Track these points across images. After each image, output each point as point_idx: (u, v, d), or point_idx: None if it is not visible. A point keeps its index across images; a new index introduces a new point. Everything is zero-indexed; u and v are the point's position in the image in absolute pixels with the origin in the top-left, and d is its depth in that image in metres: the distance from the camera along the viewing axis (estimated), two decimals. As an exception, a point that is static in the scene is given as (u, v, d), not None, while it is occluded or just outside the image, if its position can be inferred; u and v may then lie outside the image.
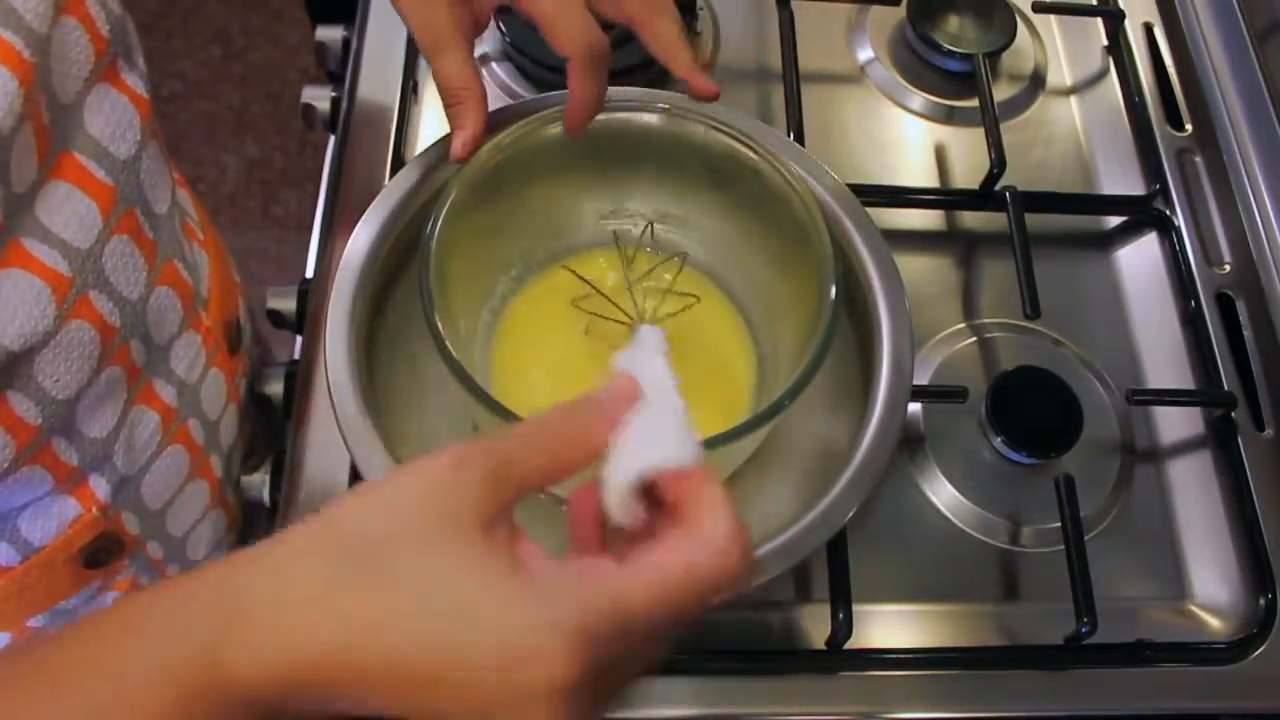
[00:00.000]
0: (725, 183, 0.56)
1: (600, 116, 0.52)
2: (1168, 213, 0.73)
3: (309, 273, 0.69)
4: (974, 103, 0.73)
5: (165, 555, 0.58)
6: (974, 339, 0.68)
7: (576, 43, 0.49)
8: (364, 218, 0.55)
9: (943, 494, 0.63)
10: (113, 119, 0.45)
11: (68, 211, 0.43)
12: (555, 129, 0.52)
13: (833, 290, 0.50)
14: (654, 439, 0.34)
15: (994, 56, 0.78)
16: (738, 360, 0.58)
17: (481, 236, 0.54)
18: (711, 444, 0.46)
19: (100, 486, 0.50)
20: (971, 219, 0.73)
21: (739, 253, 0.59)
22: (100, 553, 0.52)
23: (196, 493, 0.58)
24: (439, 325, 0.47)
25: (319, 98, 0.73)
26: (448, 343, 0.47)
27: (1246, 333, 0.69)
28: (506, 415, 0.45)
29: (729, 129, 0.54)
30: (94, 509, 0.50)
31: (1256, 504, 0.63)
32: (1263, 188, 0.73)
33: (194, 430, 0.56)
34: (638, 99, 0.56)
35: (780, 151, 0.55)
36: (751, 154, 0.54)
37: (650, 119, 0.55)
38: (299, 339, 0.66)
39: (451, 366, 0.47)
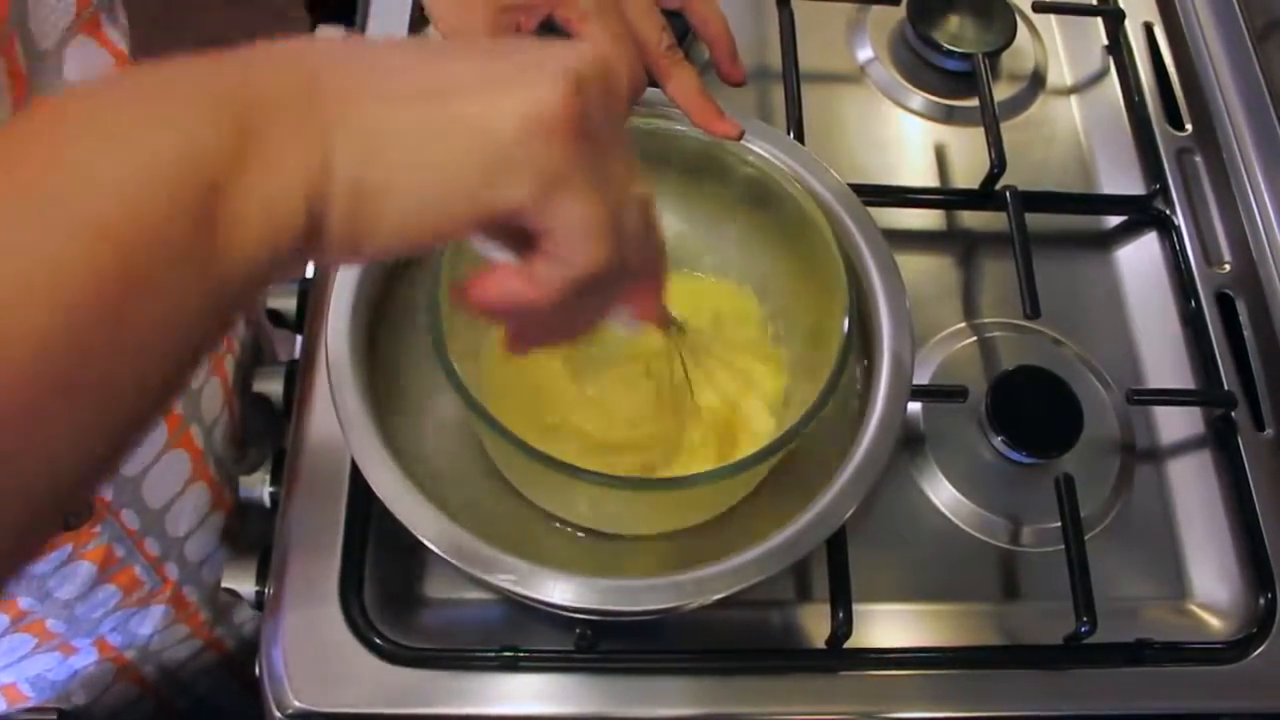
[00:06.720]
0: (745, 201, 0.57)
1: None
2: (1168, 212, 0.73)
3: (309, 273, 0.69)
4: (974, 102, 0.73)
5: (141, 527, 0.57)
6: (974, 339, 0.68)
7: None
8: (364, 217, 0.55)
9: (943, 494, 0.63)
10: (91, 72, 0.45)
11: None
12: None
13: (845, 323, 0.50)
14: None
15: (994, 56, 0.78)
16: (765, 372, 0.59)
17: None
18: (723, 474, 0.47)
19: None
20: (971, 219, 0.73)
21: (762, 272, 0.60)
22: (68, 515, 0.51)
23: (175, 463, 0.58)
24: (445, 346, 0.47)
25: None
26: (449, 354, 0.47)
27: (1246, 333, 0.69)
28: (503, 433, 0.46)
29: (753, 155, 0.55)
30: None
31: (1256, 504, 0.63)
32: (1263, 188, 0.73)
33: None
34: (657, 117, 0.56)
35: (786, 156, 0.56)
36: (777, 180, 0.54)
37: (673, 137, 0.56)
38: (299, 338, 0.66)
39: (446, 368, 0.47)
